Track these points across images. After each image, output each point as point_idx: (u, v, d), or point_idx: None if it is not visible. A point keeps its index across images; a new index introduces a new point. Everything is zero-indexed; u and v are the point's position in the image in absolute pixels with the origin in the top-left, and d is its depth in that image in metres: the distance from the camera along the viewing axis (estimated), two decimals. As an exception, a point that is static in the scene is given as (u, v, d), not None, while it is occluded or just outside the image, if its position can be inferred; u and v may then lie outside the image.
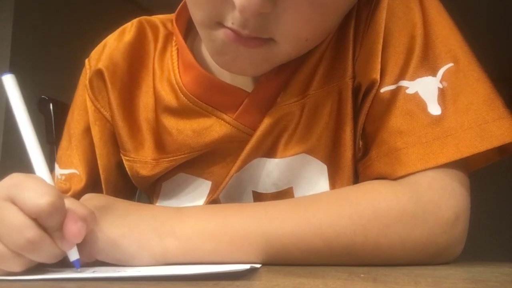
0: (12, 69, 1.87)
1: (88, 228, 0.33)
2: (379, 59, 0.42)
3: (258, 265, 0.34)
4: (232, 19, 0.37)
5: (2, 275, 0.32)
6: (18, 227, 0.30)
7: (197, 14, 0.40)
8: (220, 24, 0.38)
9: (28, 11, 1.96)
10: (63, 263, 0.34)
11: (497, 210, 3.01)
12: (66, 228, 0.31)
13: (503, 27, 2.65)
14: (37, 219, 0.31)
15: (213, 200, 0.49)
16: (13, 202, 0.31)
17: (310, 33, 0.39)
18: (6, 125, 1.82)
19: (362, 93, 0.43)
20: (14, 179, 0.32)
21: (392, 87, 0.41)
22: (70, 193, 0.51)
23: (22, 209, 0.30)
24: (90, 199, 0.41)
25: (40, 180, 0.33)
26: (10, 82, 0.35)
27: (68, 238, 0.31)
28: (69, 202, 0.33)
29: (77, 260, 0.32)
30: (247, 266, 0.30)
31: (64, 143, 0.54)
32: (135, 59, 0.52)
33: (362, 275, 0.30)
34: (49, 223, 0.31)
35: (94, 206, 0.37)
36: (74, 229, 0.31)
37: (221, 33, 0.38)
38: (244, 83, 0.47)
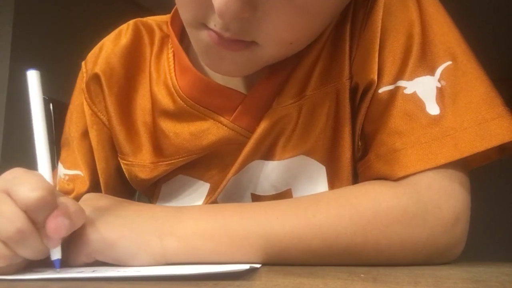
0: (12, 69, 1.87)
1: (73, 226, 0.32)
2: (376, 59, 0.41)
3: (258, 265, 0.34)
4: (215, 22, 0.37)
5: None
6: (9, 217, 0.30)
7: (184, 14, 0.40)
8: (204, 25, 0.38)
9: (28, 11, 1.96)
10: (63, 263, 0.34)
11: (497, 210, 3.01)
12: (46, 223, 0.31)
13: (503, 26, 2.65)
14: (27, 212, 0.31)
15: (211, 202, 0.48)
16: (9, 194, 0.31)
17: (293, 37, 0.39)
18: (6, 125, 1.81)
19: (360, 93, 0.43)
20: (14, 173, 0.33)
21: (390, 87, 0.41)
22: (73, 194, 0.51)
23: (15, 201, 0.31)
24: (90, 199, 0.41)
25: (37, 175, 0.33)
26: (34, 78, 0.35)
27: (48, 232, 0.31)
28: (61, 199, 0.33)
29: (58, 260, 0.32)
30: (247, 266, 0.30)
31: (66, 144, 0.54)
32: (132, 63, 0.52)
33: (362, 275, 0.30)
34: (37, 217, 0.31)
35: (94, 206, 0.37)
36: (52, 224, 0.31)
37: (205, 35, 0.39)
38: (241, 85, 0.47)
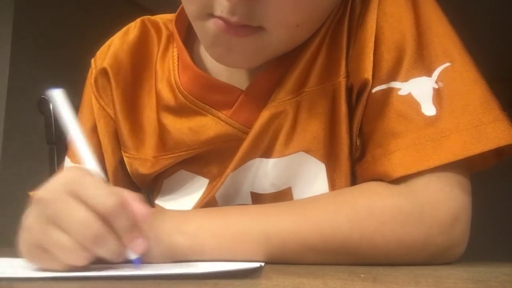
0: (12, 70, 1.87)
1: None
2: (371, 59, 0.41)
3: (263, 264, 0.34)
4: (221, 7, 0.38)
5: (64, 270, 0.32)
6: (84, 222, 0.31)
7: (190, 8, 0.41)
8: (210, 15, 0.39)
9: (28, 11, 1.96)
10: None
11: (497, 210, 3.01)
12: (136, 208, 0.32)
13: (503, 26, 2.65)
14: (103, 218, 0.31)
15: (210, 198, 0.49)
16: (78, 198, 0.31)
17: (299, 18, 0.39)
18: (6, 125, 1.81)
19: (355, 93, 0.44)
20: (74, 174, 0.33)
21: (383, 86, 0.41)
22: None
23: (89, 206, 0.31)
24: None
25: (98, 178, 0.33)
26: (59, 97, 0.36)
27: (140, 216, 0.32)
28: (119, 190, 0.33)
29: (138, 258, 0.33)
30: (257, 264, 0.31)
31: None
32: (139, 59, 0.53)
33: (362, 275, 0.30)
34: (113, 222, 0.32)
35: None
36: (142, 209, 0.32)
37: (212, 24, 0.39)
38: (240, 82, 0.48)
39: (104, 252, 0.32)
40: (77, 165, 0.34)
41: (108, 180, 0.54)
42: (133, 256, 0.33)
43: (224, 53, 0.41)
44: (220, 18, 0.38)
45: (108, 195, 0.31)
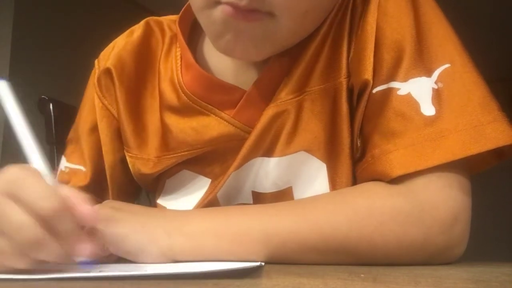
0: (12, 70, 1.87)
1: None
2: (371, 60, 0.41)
3: (263, 263, 0.34)
4: None
5: (6, 272, 0.31)
6: (19, 226, 0.30)
7: None
8: (218, 2, 0.39)
9: (28, 11, 1.96)
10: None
11: (497, 210, 3.01)
12: (81, 210, 0.31)
13: (504, 26, 2.65)
14: (40, 221, 0.30)
15: (212, 198, 0.49)
16: (15, 199, 0.30)
17: (308, 4, 0.39)
18: (6, 125, 1.81)
19: (356, 93, 0.44)
20: (14, 174, 0.32)
21: (383, 87, 0.41)
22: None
23: (24, 208, 0.30)
24: (108, 202, 0.43)
25: (40, 178, 0.32)
26: (4, 88, 0.35)
27: (86, 218, 0.31)
28: (66, 190, 0.32)
29: (87, 260, 0.32)
30: (257, 263, 0.31)
31: (74, 140, 0.56)
32: (142, 59, 0.53)
33: (362, 275, 0.30)
34: (51, 224, 0.30)
35: (111, 207, 0.40)
36: (87, 209, 0.31)
37: (219, 11, 0.39)
38: (243, 82, 0.48)
39: (45, 256, 0.30)
40: (26, 164, 0.33)
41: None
42: (80, 258, 0.32)
43: (231, 41, 0.41)
44: (227, 3, 0.38)
45: (48, 197, 0.30)
